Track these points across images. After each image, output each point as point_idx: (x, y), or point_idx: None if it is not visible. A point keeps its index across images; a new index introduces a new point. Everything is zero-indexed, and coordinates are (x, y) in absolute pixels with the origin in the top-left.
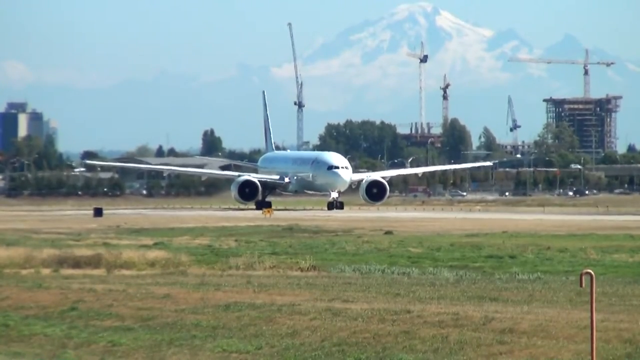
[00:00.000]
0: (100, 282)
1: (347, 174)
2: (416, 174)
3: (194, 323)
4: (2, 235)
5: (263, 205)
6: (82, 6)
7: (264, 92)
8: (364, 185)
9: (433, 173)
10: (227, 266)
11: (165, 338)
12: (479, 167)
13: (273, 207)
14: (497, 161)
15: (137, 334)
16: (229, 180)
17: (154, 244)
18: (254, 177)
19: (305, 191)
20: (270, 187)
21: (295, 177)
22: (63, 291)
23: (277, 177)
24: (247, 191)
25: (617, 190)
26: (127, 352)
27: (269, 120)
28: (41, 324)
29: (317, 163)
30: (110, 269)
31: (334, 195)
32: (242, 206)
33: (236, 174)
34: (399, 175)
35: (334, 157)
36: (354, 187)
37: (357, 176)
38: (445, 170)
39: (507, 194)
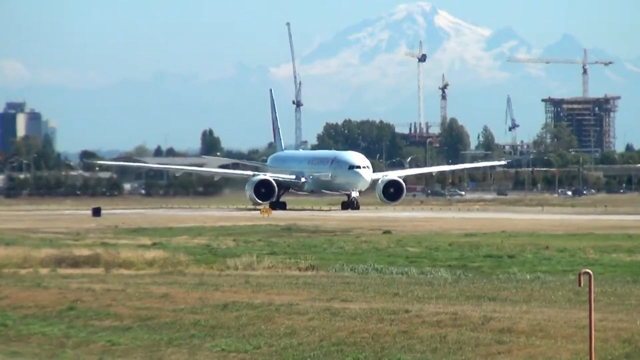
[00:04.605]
0: (98, 281)
1: (368, 173)
2: (426, 173)
3: (193, 323)
4: (1, 235)
5: (278, 205)
6: (81, 6)
7: (271, 90)
8: (380, 185)
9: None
10: (225, 266)
11: (164, 338)
12: (484, 167)
13: (288, 206)
14: (510, 159)
15: (135, 334)
16: (229, 180)
17: (153, 244)
18: (269, 176)
19: (323, 191)
20: (285, 187)
21: (311, 177)
22: (61, 291)
23: (293, 176)
24: (263, 191)
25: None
26: (126, 351)
27: (278, 120)
28: (40, 324)
29: (337, 162)
30: (108, 268)
31: (355, 194)
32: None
33: (250, 173)
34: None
35: (355, 157)
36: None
37: (374, 175)
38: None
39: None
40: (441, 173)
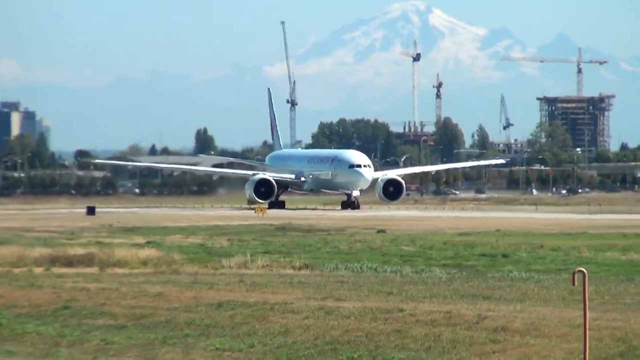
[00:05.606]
0: (93, 280)
1: (369, 172)
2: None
3: (187, 321)
4: None
5: (277, 204)
6: (76, 5)
7: (269, 89)
8: (380, 184)
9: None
10: (219, 265)
11: (158, 336)
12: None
13: (287, 206)
14: (509, 159)
15: (130, 333)
16: (224, 179)
17: (147, 243)
18: (269, 175)
19: (323, 190)
20: (284, 186)
21: (311, 176)
22: (56, 290)
23: (293, 175)
24: (263, 190)
25: None
26: (120, 350)
27: (276, 119)
28: (34, 323)
29: (337, 162)
30: (103, 267)
31: (356, 194)
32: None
33: (248, 172)
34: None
35: (356, 155)
36: None
37: (374, 174)
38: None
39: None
40: (436, 172)
